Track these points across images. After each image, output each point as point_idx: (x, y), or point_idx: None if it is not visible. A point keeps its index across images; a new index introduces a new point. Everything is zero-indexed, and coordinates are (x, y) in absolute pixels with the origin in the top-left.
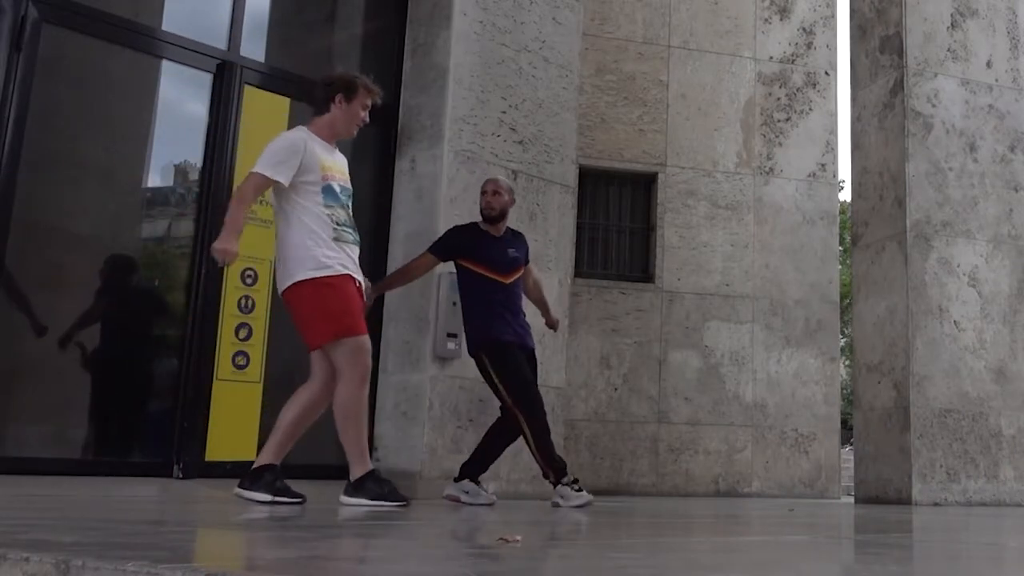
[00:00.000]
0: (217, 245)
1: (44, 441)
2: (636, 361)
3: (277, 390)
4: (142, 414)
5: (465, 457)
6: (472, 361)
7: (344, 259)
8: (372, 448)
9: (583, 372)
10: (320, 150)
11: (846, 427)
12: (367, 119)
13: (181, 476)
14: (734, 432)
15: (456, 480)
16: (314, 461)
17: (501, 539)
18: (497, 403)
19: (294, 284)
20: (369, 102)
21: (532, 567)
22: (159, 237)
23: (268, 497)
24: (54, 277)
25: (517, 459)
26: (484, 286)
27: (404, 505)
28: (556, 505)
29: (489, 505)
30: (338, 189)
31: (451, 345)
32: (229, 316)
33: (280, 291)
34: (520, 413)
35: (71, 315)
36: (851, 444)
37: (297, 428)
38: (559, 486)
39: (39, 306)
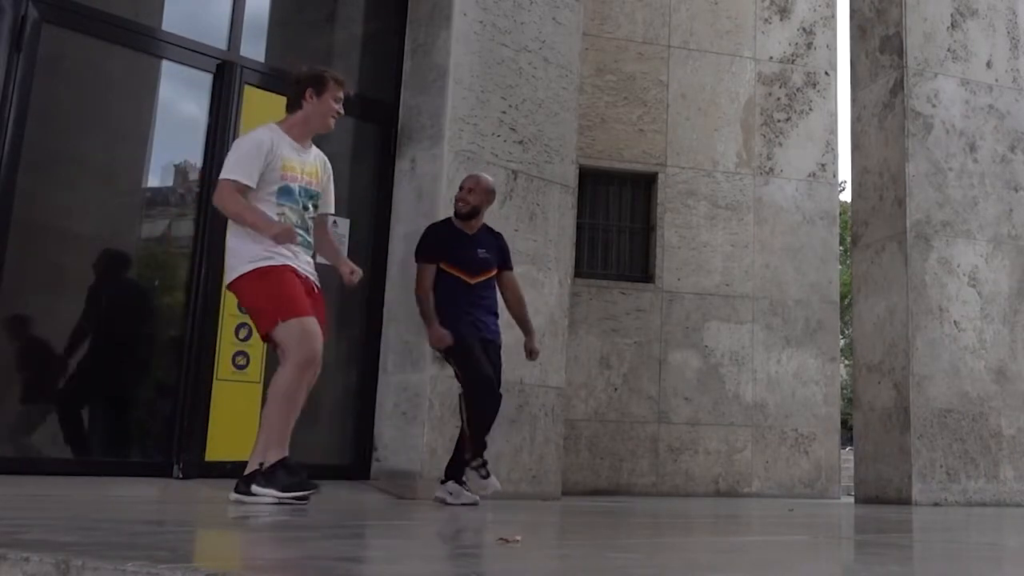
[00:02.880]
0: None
1: (44, 441)
2: (636, 361)
3: None
4: (142, 414)
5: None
6: None
7: (287, 255)
8: (372, 448)
9: (583, 372)
10: (287, 149)
11: (846, 427)
12: (342, 111)
13: (181, 476)
14: (734, 432)
15: (442, 483)
16: (314, 461)
17: (501, 539)
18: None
19: (238, 277)
20: (341, 94)
21: (532, 567)
22: (159, 237)
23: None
24: (54, 277)
25: (517, 459)
26: (450, 284)
27: (308, 497)
28: (440, 501)
29: (473, 504)
30: (296, 190)
31: None
32: (229, 316)
33: (226, 284)
34: (466, 397)
35: (71, 315)
36: (850, 445)
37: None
38: (467, 468)
39: (37, 306)
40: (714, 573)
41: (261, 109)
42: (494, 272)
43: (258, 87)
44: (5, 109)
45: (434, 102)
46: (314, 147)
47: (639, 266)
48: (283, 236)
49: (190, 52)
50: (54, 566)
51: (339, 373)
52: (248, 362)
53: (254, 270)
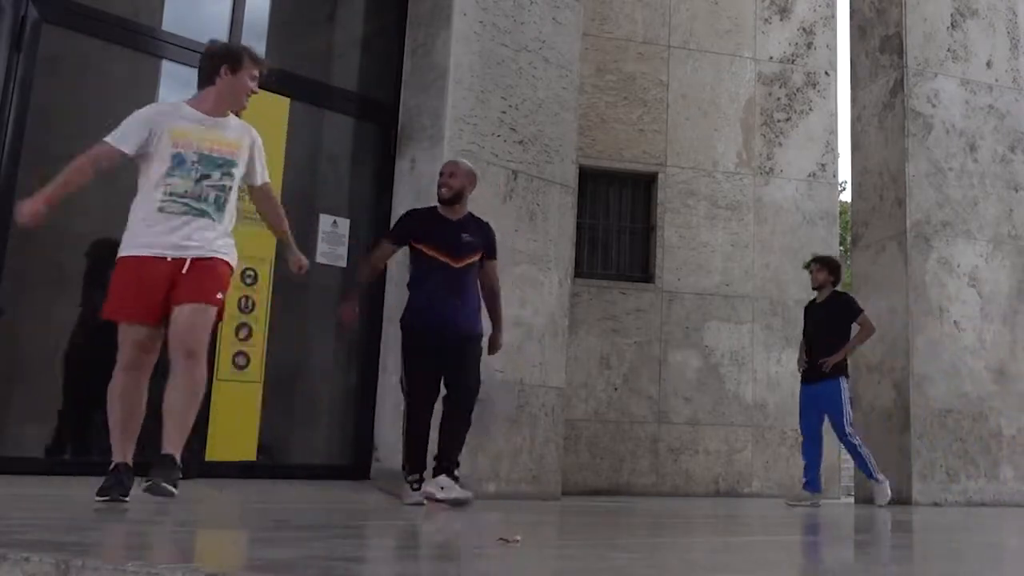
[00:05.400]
0: (22, 204)
1: (44, 441)
2: (636, 361)
3: (277, 390)
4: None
5: (464, 456)
6: None
7: (151, 235)
8: (372, 448)
9: (583, 372)
10: (181, 120)
11: None
12: (255, 89)
13: (181, 476)
14: (734, 432)
15: (433, 477)
16: (314, 461)
17: (501, 539)
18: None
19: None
20: (256, 72)
21: (532, 567)
22: None
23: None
24: (54, 277)
25: (517, 459)
26: (433, 268)
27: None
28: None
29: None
30: (192, 159)
31: None
32: (229, 316)
33: None
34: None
35: (70, 315)
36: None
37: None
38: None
39: (37, 306)
40: (714, 573)
41: (261, 109)
42: (479, 256)
43: (258, 87)
44: (5, 109)
45: (434, 102)
46: (233, 118)
47: (639, 266)
48: (19, 214)
49: (190, 52)
50: (54, 566)
51: (339, 373)
52: (248, 362)
53: (118, 258)
